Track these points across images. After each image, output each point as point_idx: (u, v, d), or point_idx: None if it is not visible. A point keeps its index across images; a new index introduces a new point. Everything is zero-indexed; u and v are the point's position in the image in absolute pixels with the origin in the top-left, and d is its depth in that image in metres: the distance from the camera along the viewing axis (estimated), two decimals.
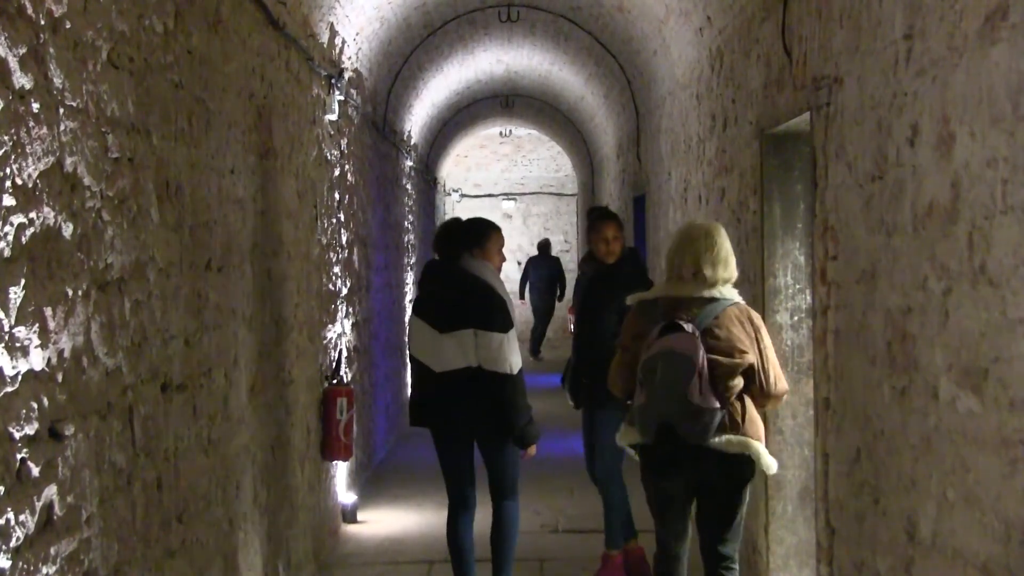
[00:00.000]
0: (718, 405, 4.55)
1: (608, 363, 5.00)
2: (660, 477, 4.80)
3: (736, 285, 4.79)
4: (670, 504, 4.83)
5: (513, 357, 5.42)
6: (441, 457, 5.66)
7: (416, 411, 5.65)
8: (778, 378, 4.70)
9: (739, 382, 4.62)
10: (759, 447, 4.64)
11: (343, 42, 7.79)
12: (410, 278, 13.67)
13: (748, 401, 4.66)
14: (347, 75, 8.07)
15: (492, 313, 5.43)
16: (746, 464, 4.67)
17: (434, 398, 5.53)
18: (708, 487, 4.73)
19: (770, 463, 4.72)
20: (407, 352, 6.19)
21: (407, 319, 5.88)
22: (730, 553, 4.81)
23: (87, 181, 3.06)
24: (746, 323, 4.68)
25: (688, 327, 4.57)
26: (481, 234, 5.67)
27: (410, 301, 13.44)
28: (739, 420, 4.61)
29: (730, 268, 4.76)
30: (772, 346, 4.76)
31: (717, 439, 4.58)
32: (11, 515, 2.54)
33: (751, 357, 4.61)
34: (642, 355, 4.65)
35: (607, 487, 6.31)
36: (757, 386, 4.64)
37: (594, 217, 6.48)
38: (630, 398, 4.83)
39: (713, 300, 4.68)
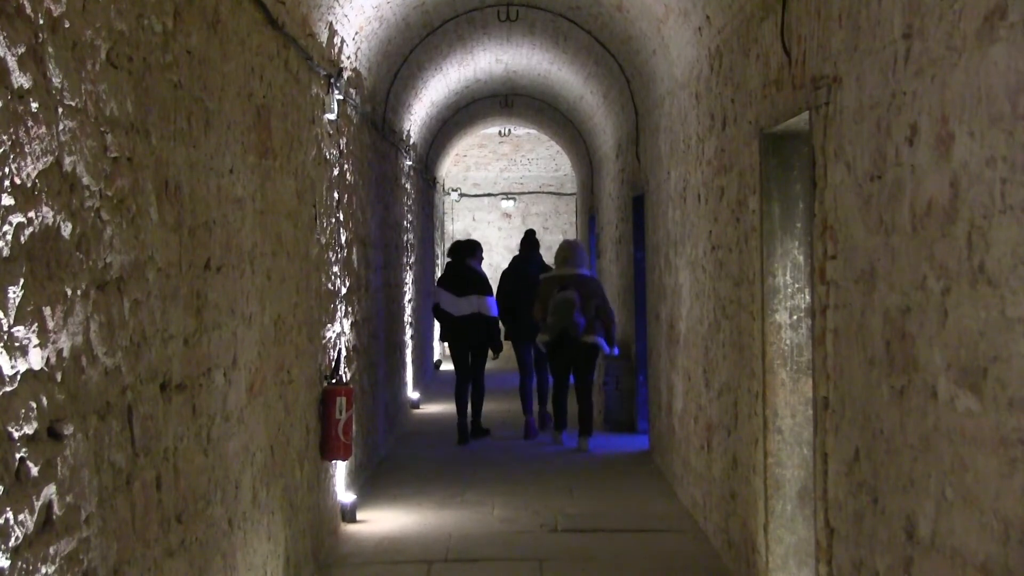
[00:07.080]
0: (584, 322, 10.57)
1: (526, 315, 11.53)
2: (557, 356, 10.84)
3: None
4: (562, 368, 10.94)
5: (495, 309, 11.38)
6: (456, 357, 11.51)
7: (445, 335, 11.55)
8: (610, 310, 10.89)
9: (593, 312, 10.61)
10: (600, 340, 10.65)
11: (342, 41, 7.79)
12: (410, 278, 13.67)
13: (598, 321, 10.63)
14: (346, 74, 8.07)
15: (487, 286, 11.42)
16: (596, 348, 10.78)
17: (456, 328, 11.34)
18: (578, 359, 10.81)
19: (604, 349, 10.79)
20: (432, 308, 11.71)
21: (432, 291, 11.64)
22: (589, 386, 10.97)
23: (86, 181, 3.06)
24: (594, 285, 10.89)
25: (570, 287, 10.65)
26: (476, 248, 11.69)
27: (409, 301, 13.51)
28: (593, 329, 10.62)
29: (585, 260, 11.01)
30: (607, 295, 11.53)
31: (584, 337, 10.62)
32: (10, 515, 2.54)
33: (598, 300, 10.71)
34: (549, 300, 10.67)
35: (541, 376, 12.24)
36: (602, 314, 10.70)
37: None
38: (543, 320, 10.77)
39: (579, 276, 10.79)
